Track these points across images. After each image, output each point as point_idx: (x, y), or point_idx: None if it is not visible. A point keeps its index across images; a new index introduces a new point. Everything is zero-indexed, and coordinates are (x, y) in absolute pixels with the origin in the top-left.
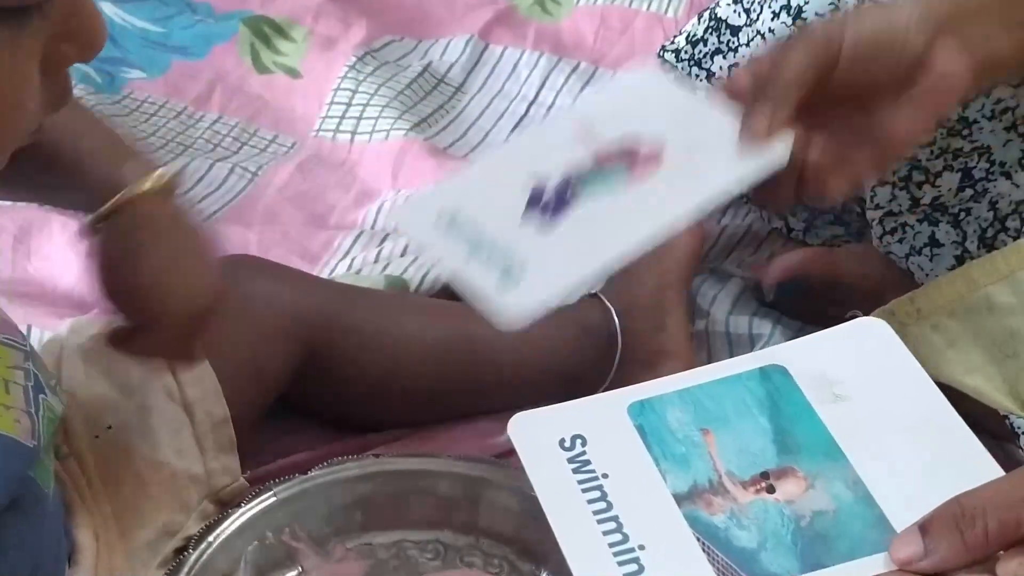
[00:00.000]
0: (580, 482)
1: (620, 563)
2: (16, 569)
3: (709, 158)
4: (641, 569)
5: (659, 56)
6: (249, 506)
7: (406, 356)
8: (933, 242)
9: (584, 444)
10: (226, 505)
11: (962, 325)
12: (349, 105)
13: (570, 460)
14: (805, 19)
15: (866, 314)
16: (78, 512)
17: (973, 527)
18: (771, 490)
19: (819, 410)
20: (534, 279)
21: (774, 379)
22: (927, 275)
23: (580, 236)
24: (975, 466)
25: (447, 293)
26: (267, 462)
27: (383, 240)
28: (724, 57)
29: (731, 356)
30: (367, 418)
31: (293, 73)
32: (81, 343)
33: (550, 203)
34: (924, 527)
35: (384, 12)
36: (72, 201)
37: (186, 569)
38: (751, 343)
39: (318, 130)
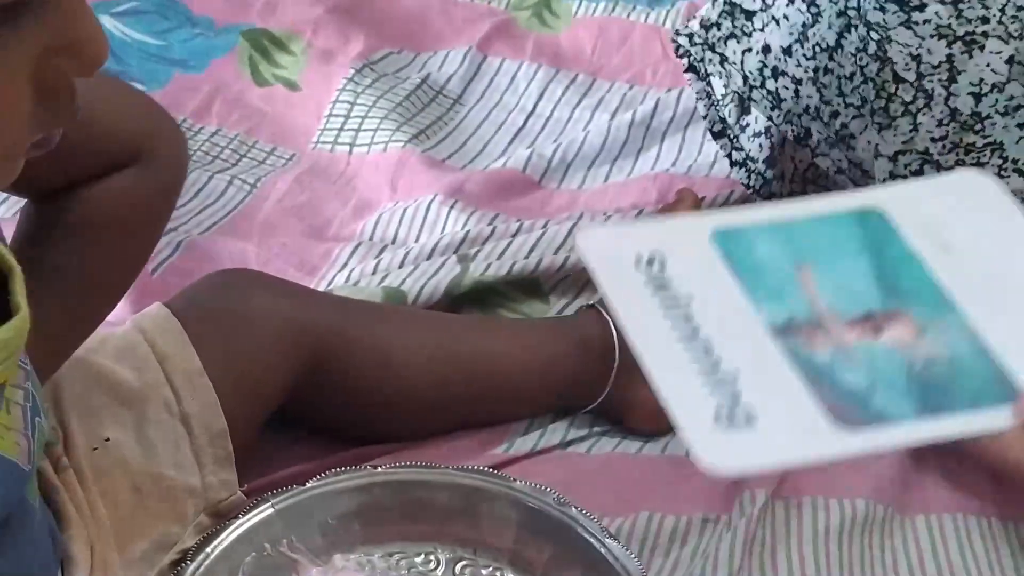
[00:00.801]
0: (662, 303)
1: (713, 389)
2: None
3: None
4: (738, 396)
5: (672, 40)
6: (247, 518)
7: (404, 368)
8: None
9: (664, 266)
10: (223, 518)
11: None
12: (347, 117)
13: (649, 281)
14: (819, 6)
15: None
16: (73, 524)
17: None
18: (878, 332)
19: (926, 258)
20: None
21: (873, 222)
22: None
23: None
24: None
25: (445, 304)
26: (265, 474)
27: (381, 251)
28: (738, 42)
29: None
30: (365, 430)
31: (292, 86)
32: (79, 355)
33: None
34: None
35: (382, 25)
36: None
37: None
38: None
39: (316, 142)
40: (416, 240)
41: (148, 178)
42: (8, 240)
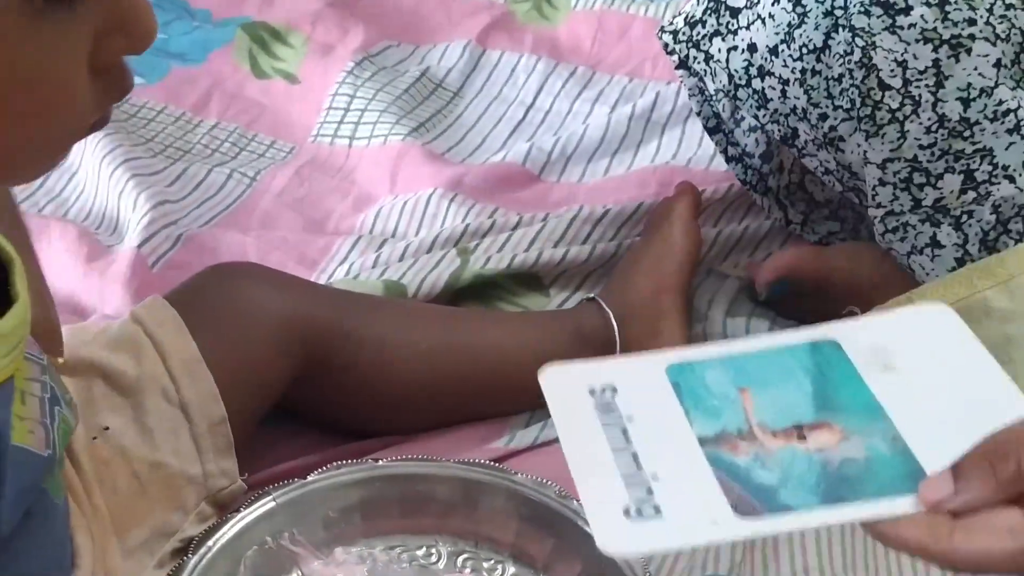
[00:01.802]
0: (604, 422)
1: (630, 488)
2: None
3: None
4: (651, 495)
5: (657, 36)
6: (249, 511)
7: (404, 361)
8: (934, 243)
9: (615, 393)
10: (224, 507)
11: None
12: (347, 110)
13: (597, 405)
14: (805, 6)
15: (863, 312)
16: (74, 515)
17: (1006, 463)
18: (802, 438)
19: (868, 378)
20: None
21: (825, 351)
22: (928, 274)
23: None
24: None
25: (445, 298)
26: (266, 467)
27: (381, 245)
28: (723, 39)
29: None
30: (366, 423)
31: (291, 79)
32: (81, 345)
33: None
34: (956, 467)
35: (382, 18)
36: None
37: (186, 573)
38: None
39: (316, 135)
40: (416, 233)
41: None
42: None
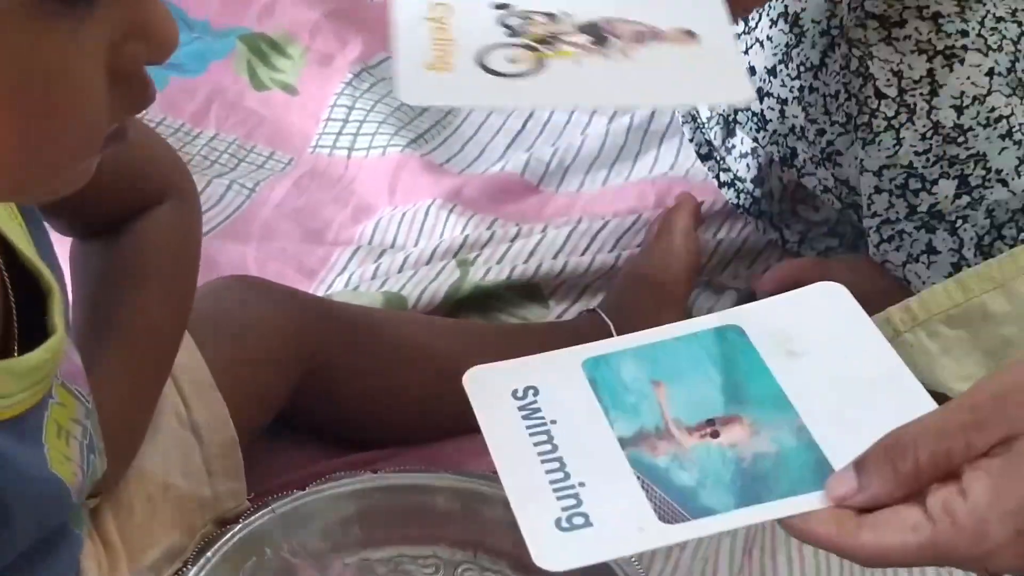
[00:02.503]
0: (528, 427)
1: (559, 498)
2: None
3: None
4: (579, 503)
5: None
6: (247, 522)
7: (404, 373)
8: (930, 249)
9: (536, 394)
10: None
11: (957, 333)
12: (346, 121)
13: (521, 408)
14: (803, 26)
15: None
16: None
17: (905, 459)
18: (715, 435)
19: (772, 365)
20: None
21: (730, 337)
22: (924, 283)
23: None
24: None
25: (445, 309)
26: (266, 478)
27: (380, 255)
28: None
29: None
30: (365, 434)
31: (290, 90)
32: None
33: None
34: (859, 463)
35: (380, 29)
36: None
37: None
38: None
39: (315, 146)
40: (415, 244)
41: (184, 210)
42: (58, 260)
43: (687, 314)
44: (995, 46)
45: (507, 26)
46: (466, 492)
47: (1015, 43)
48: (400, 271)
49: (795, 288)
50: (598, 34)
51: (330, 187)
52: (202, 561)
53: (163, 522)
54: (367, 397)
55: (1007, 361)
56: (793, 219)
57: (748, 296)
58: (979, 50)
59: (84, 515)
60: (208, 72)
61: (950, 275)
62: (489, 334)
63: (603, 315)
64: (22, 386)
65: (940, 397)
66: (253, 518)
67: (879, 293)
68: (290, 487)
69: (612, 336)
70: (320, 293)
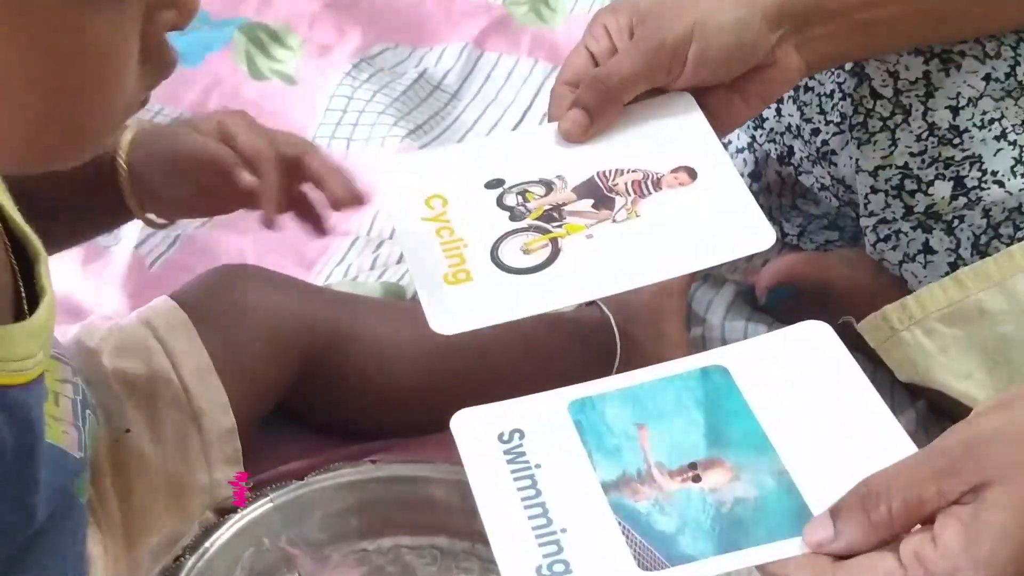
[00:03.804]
0: (513, 472)
1: (541, 544)
2: None
3: None
4: (560, 550)
5: None
6: (246, 512)
7: (403, 364)
8: (927, 249)
9: (522, 437)
10: (225, 513)
11: (954, 331)
12: (345, 112)
13: (506, 452)
14: None
15: (858, 320)
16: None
17: (878, 507)
18: (697, 479)
19: (755, 407)
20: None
21: (714, 379)
22: (920, 282)
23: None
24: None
25: None
26: (265, 469)
27: (379, 246)
28: None
29: None
30: (364, 425)
31: (289, 80)
32: (94, 346)
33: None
34: (834, 510)
35: (379, 19)
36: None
37: (183, 574)
38: None
39: (314, 137)
40: None
41: None
42: None
43: (687, 306)
44: (992, 53)
45: (506, 207)
46: (465, 483)
47: (1014, 48)
48: (399, 262)
49: (795, 282)
50: (599, 194)
51: None
52: (200, 551)
53: (163, 509)
54: (366, 387)
55: (978, 408)
56: (792, 212)
57: (747, 289)
58: (975, 56)
59: (87, 482)
60: (207, 62)
61: (947, 275)
62: None
63: (603, 307)
64: (39, 345)
65: (936, 395)
66: (251, 508)
67: (878, 288)
68: (289, 477)
69: (612, 328)
70: (319, 283)
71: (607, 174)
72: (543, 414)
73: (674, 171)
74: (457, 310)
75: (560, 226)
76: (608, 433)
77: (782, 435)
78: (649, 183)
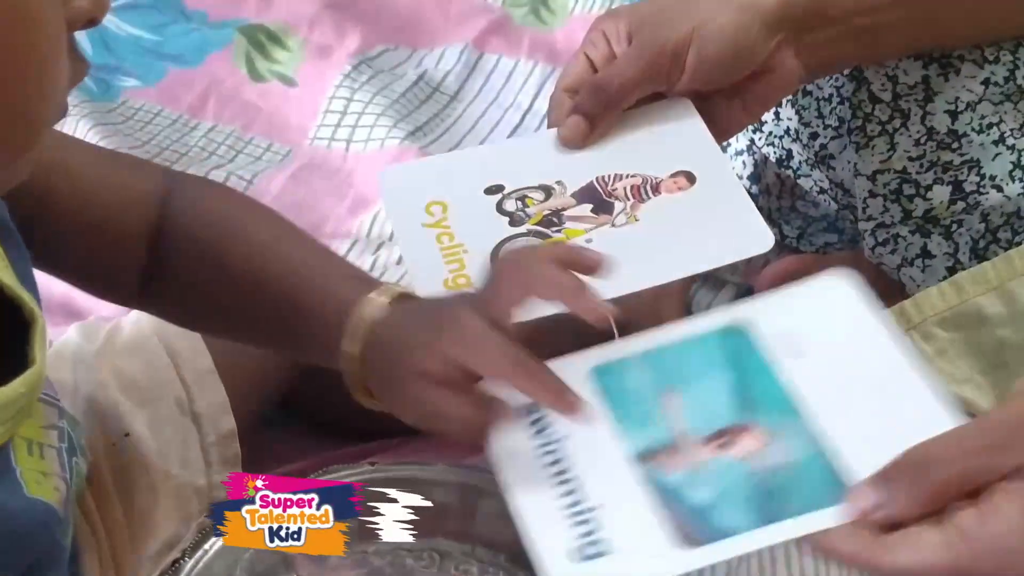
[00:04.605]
0: (540, 446)
1: (575, 524)
2: None
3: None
4: (596, 529)
5: None
6: None
7: None
8: (925, 253)
9: (546, 411)
10: None
11: (952, 335)
12: (344, 114)
13: (532, 423)
14: None
15: None
16: (83, 535)
17: (932, 476)
18: (729, 446)
19: (778, 367)
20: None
21: (735, 337)
22: (919, 286)
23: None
24: (932, 421)
25: None
26: (263, 470)
27: (378, 249)
28: None
29: None
30: (363, 426)
31: (288, 81)
32: (93, 348)
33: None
34: (883, 476)
35: (379, 21)
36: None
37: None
38: None
39: (313, 138)
40: None
41: (187, 182)
42: (36, 284)
43: (687, 307)
44: (991, 57)
45: (506, 212)
46: (465, 485)
47: (1013, 53)
48: (398, 264)
49: (794, 284)
50: (598, 199)
51: (328, 179)
52: (199, 553)
53: (164, 512)
54: None
55: (1021, 385)
56: (792, 215)
57: (747, 291)
58: (974, 62)
59: (69, 527)
60: (206, 63)
61: (945, 279)
62: None
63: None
64: (6, 417)
65: None
66: None
67: (879, 290)
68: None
69: (612, 329)
70: None
71: (606, 179)
72: (566, 382)
73: (673, 176)
74: None
75: (559, 231)
76: (633, 400)
77: (810, 396)
78: (648, 188)
